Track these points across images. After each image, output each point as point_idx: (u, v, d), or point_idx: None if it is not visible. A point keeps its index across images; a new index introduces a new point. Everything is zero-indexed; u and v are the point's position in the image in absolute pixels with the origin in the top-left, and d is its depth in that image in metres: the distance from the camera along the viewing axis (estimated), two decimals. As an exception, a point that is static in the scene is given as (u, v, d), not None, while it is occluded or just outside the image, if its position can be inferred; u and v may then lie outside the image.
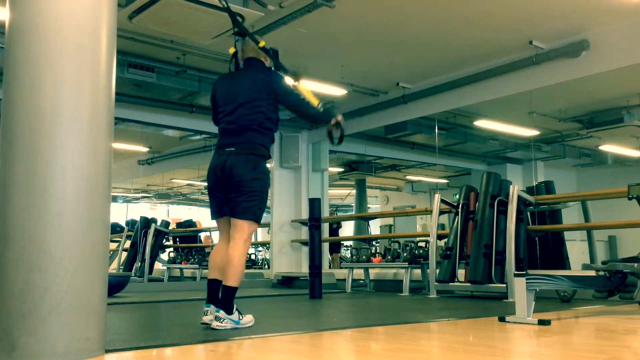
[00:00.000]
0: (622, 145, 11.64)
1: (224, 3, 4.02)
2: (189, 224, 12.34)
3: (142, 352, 2.72)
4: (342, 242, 13.21)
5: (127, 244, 10.94)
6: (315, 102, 3.76)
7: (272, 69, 3.85)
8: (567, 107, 9.72)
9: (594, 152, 12.48)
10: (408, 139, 11.22)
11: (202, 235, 12.35)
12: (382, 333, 3.55)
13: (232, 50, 3.91)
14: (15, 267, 2.34)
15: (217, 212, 3.73)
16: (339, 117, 3.78)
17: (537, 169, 12.54)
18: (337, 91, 8.23)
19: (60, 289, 2.34)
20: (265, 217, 12.62)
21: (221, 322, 3.39)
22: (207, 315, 3.51)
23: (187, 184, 15.21)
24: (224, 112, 3.73)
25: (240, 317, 3.52)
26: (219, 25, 5.52)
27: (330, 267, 11.39)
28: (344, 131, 3.82)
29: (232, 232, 3.58)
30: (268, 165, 10.70)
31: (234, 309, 3.49)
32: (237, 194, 3.56)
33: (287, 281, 9.28)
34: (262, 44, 3.82)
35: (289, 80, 3.85)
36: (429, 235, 7.02)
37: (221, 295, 3.48)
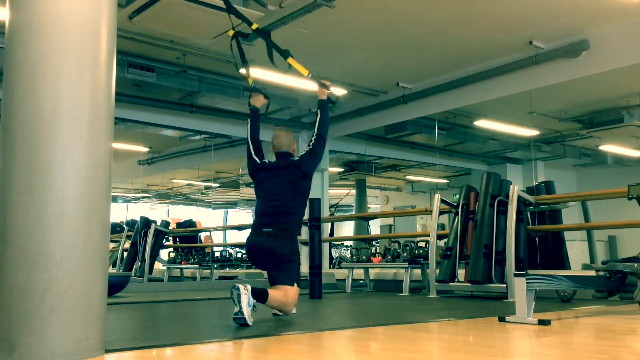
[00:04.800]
0: (622, 145, 11.64)
1: None
2: (189, 224, 12.33)
3: (142, 352, 2.72)
4: (338, 242, 13.19)
5: (127, 244, 10.94)
6: (305, 72, 4.28)
7: (297, 156, 4.36)
8: (567, 107, 9.72)
9: (594, 152, 12.48)
10: (408, 139, 11.22)
11: (202, 235, 12.34)
12: (382, 333, 3.55)
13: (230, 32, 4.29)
14: (15, 267, 2.34)
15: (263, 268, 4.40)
16: (327, 83, 4.29)
17: (537, 169, 12.55)
18: (337, 91, 8.24)
19: (60, 289, 2.34)
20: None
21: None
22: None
23: (187, 184, 15.21)
24: (264, 196, 4.18)
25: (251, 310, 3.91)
26: (219, 25, 5.53)
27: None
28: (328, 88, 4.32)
29: (283, 289, 4.04)
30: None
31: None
32: (281, 267, 4.06)
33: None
34: (254, 26, 4.20)
35: (279, 59, 4.31)
36: (429, 235, 7.02)
37: (259, 290, 3.92)
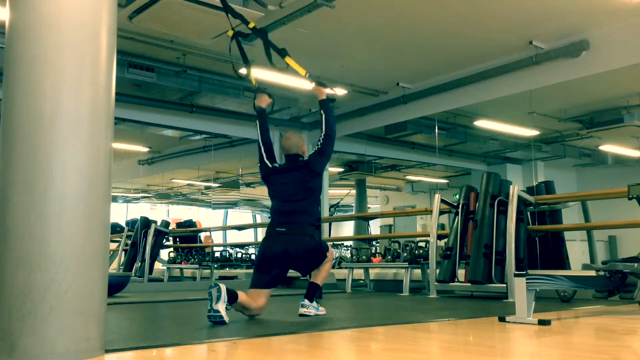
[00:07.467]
0: (622, 145, 11.64)
1: None
2: (189, 224, 12.32)
3: (142, 352, 2.72)
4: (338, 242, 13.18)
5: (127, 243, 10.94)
6: (303, 72, 4.32)
7: (306, 157, 4.35)
8: (567, 107, 9.72)
9: (594, 152, 12.48)
10: (408, 139, 11.22)
11: (202, 235, 12.34)
12: (382, 333, 3.55)
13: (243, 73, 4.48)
14: (15, 267, 2.33)
15: (264, 285, 4.08)
16: (329, 89, 4.38)
17: (537, 169, 12.55)
18: (337, 91, 8.23)
19: (60, 289, 2.34)
20: (264, 217, 12.64)
21: (307, 309, 4.07)
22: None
23: (187, 184, 15.21)
24: (278, 198, 4.21)
25: (318, 307, 4.18)
26: (219, 25, 5.52)
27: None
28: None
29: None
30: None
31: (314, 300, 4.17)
32: (308, 260, 4.16)
33: (287, 281, 9.27)
34: (251, 24, 4.25)
35: (278, 59, 4.33)
36: (429, 235, 7.02)
37: (308, 289, 4.16)
